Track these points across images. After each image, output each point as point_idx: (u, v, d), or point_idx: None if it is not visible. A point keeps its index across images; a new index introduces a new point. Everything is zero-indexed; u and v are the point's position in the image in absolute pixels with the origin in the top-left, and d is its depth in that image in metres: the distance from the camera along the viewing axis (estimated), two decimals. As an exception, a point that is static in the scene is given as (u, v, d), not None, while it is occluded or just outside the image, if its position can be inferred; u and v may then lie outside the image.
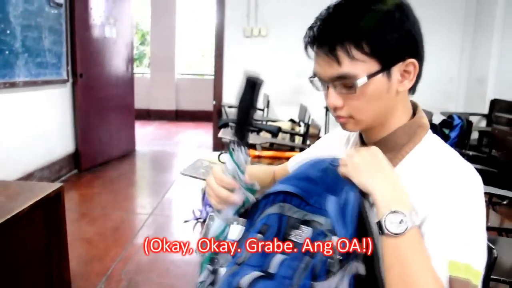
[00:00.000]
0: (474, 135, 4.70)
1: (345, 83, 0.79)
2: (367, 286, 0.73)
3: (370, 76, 0.78)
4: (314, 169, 0.85)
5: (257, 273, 0.75)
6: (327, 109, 4.61)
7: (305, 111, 4.29)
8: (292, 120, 5.11)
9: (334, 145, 1.06)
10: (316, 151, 1.10)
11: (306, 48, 0.84)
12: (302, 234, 0.77)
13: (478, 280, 0.71)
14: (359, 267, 0.72)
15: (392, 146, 0.86)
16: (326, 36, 0.78)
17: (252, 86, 0.83)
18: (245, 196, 0.89)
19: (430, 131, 0.88)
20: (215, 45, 5.69)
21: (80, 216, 3.44)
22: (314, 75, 0.86)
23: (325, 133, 4.29)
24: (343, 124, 0.87)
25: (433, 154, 0.83)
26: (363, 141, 0.93)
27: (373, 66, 0.78)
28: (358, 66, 0.77)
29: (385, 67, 0.78)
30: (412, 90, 0.87)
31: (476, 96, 5.30)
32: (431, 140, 0.86)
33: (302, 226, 0.78)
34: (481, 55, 5.19)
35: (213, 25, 5.69)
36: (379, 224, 0.73)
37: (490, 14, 4.99)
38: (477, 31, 5.31)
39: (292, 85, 5.47)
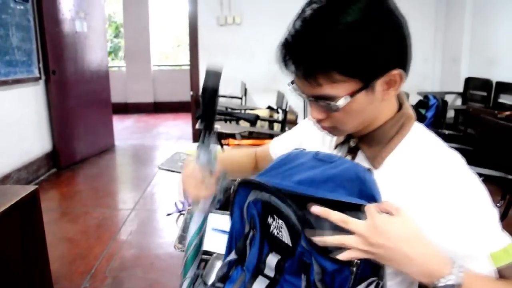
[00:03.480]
0: (450, 113, 4.77)
1: (326, 102, 0.76)
2: None
3: (352, 95, 0.75)
4: (296, 160, 0.83)
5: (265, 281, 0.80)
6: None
7: (282, 98, 4.29)
8: (270, 107, 5.11)
9: (314, 131, 1.03)
10: (297, 135, 1.10)
11: (280, 62, 0.79)
12: (280, 228, 0.77)
13: None
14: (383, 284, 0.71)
15: (380, 139, 0.84)
16: (304, 60, 0.74)
17: (213, 76, 0.85)
18: (219, 185, 0.93)
19: (416, 121, 0.88)
20: (189, 35, 5.63)
21: (61, 215, 3.40)
22: (293, 82, 0.82)
23: (304, 119, 4.30)
24: (328, 132, 0.86)
25: (422, 144, 0.82)
26: (348, 134, 0.91)
27: (355, 85, 0.74)
28: (339, 87, 0.74)
29: (367, 84, 0.75)
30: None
31: (451, 75, 5.37)
32: (418, 130, 0.85)
33: (274, 216, 0.78)
34: (454, 34, 5.24)
35: (187, 14, 5.61)
36: None
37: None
38: (449, 10, 5.36)
39: (268, 72, 5.45)
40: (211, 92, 0.85)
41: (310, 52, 0.72)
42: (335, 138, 0.94)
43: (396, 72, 0.76)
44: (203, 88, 0.85)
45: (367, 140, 0.85)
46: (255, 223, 0.81)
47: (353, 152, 0.89)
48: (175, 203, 3.42)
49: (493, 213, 0.75)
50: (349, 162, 0.77)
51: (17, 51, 3.82)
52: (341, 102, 0.75)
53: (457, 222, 0.74)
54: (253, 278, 0.82)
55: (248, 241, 0.84)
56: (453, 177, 0.76)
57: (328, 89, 0.74)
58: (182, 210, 3.34)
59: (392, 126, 0.84)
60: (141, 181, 4.29)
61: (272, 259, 0.80)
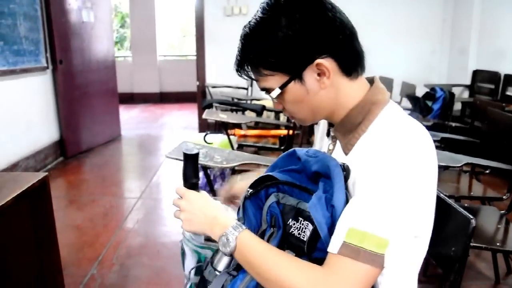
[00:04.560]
0: (457, 106, 4.75)
1: (268, 93, 0.89)
2: None
3: (282, 86, 0.85)
4: (293, 158, 0.92)
5: None
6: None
7: (289, 89, 4.28)
8: (276, 98, 5.10)
9: (324, 128, 1.08)
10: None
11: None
12: (304, 229, 0.82)
13: (382, 249, 0.72)
14: None
15: (350, 127, 0.87)
16: (239, 63, 0.89)
17: (191, 159, 0.97)
18: (199, 254, 1.05)
19: (391, 104, 0.87)
20: (196, 25, 5.62)
21: (68, 203, 3.43)
22: None
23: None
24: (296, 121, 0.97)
25: (387, 128, 0.82)
26: (330, 124, 0.97)
27: (282, 77, 0.85)
28: (270, 80, 0.86)
29: (294, 75, 0.84)
30: (350, 72, 0.86)
31: (458, 67, 5.34)
32: (389, 114, 0.85)
33: (300, 218, 0.83)
34: (462, 26, 5.20)
35: (193, 5, 5.60)
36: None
37: (470, -16, 4.99)
38: (457, 0, 5.31)
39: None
40: (190, 172, 0.99)
41: (240, 55, 0.88)
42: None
43: (320, 61, 0.82)
44: (183, 177, 1.00)
45: (340, 128, 0.90)
46: (278, 222, 0.87)
47: (334, 140, 0.95)
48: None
49: (399, 204, 0.74)
50: (328, 158, 0.84)
51: (25, 40, 3.84)
52: (274, 93, 0.87)
53: (361, 196, 0.76)
54: None
55: (266, 238, 0.87)
56: (389, 158, 0.76)
57: (263, 83, 0.88)
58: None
59: (358, 113, 0.87)
60: (147, 170, 4.32)
61: None
